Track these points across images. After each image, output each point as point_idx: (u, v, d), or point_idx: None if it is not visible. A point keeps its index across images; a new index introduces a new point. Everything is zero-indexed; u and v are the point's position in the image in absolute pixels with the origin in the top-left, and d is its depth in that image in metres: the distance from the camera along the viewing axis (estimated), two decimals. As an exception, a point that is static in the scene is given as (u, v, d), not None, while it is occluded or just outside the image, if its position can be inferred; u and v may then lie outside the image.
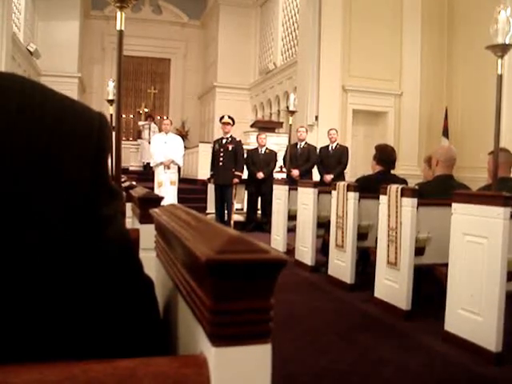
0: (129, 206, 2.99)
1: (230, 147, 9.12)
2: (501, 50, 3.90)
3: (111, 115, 7.11)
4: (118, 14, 3.34)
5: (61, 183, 0.75)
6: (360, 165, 10.97)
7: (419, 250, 4.29)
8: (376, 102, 11.89)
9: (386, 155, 5.65)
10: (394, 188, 4.44)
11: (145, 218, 2.12)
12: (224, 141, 9.22)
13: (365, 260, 5.54)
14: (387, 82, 11.94)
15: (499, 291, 3.22)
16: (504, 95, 4.42)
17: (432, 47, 12.11)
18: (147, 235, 1.83)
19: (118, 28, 3.37)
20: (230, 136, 9.22)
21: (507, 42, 3.88)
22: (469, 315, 3.43)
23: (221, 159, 9.15)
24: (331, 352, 3.46)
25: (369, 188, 5.19)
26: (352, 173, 10.16)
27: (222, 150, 9.17)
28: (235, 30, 18.27)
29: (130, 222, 2.88)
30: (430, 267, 4.38)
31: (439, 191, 4.37)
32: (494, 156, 3.99)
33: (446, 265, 3.70)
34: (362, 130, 12.26)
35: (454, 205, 3.63)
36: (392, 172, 5.71)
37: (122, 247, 0.85)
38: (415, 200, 4.24)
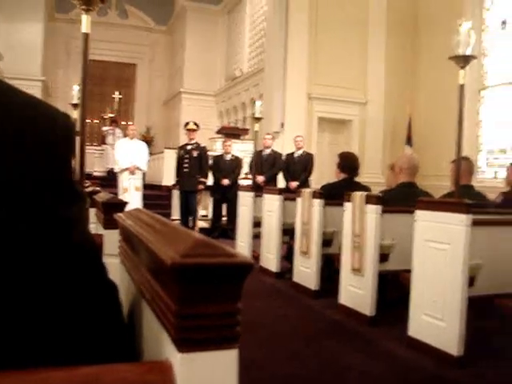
0: (92, 211, 2.94)
1: (195, 153, 9.08)
2: (462, 60, 3.99)
3: (75, 120, 7.01)
4: (84, 17, 3.30)
5: (23, 183, 0.73)
6: (325, 172, 11.05)
7: (383, 257, 4.33)
8: (341, 110, 12.01)
9: (349, 163, 5.71)
10: (358, 195, 4.48)
11: (109, 224, 2.09)
12: (189, 147, 9.17)
13: (329, 266, 5.57)
14: (352, 91, 12.08)
15: (461, 296, 3.28)
16: (465, 105, 4.51)
17: (396, 57, 12.31)
18: (111, 241, 1.81)
19: (83, 31, 3.33)
20: (196, 142, 9.18)
21: (468, 54, 3.97)
22: (432, 320, 3.48)
23: (186, 165, 9.10)
24: (297, 358, 3.46)
25: (333, 195, 5.23)
26: (317, 180, 10.21)
27: (187, 156, 9.13)
28: (202, 36, 18.25)
29: (94, 227, 2.83)
30: (393, 273, 4.43)
31: (402, 198, 4.43)
32: (456, 164, 4.07)
33: (410, 271, 3.74)
34: (328, 138, 12.36)
35: (417, 212, 3.68)
36: (356, 179, 5.76)
37: (86, 251, 0.84)
38: (379, 207, 4.28)
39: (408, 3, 12.45)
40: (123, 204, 2.28)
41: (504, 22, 10.28)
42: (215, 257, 0.70)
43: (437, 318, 3.44)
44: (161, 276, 0.80)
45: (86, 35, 3.34)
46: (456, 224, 3.34)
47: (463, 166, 4.39)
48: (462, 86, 4.04)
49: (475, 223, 3.34)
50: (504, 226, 3.70)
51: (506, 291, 3.52)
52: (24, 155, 0.73)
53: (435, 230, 3.51)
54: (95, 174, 16.11)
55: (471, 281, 3.38)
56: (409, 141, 11.86)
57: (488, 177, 10.43)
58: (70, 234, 0.79)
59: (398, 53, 12.35)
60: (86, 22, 3.31)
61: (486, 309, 3.83)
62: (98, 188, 4.71)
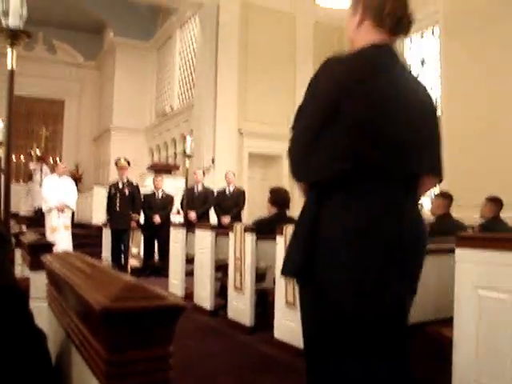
0: (18, 252, 2.84)
1: (127, 191, 8.95)
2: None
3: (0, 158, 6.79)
4: (9, 51, 3.23)
5: None
6: (256, 207, 11.12)
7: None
8: (271, 145, 12.19)
9: (279, 197, 5.77)
10: (290, 228, 4.53)
11: (36, 266, 2.02)
12: (121, 184, 9.04)
13: (263, 301, 5.57)
14: (281, 126, 12.27)
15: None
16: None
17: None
18: (38, 284, 1.75)
19: (8, 67, 3.25)
20: (127, 179, 9.07)
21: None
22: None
23: (117, 203, 8.95)
24: (232, 397, 3.41)
25: (265, 229, 5.26)
26: (249, 215, 10.27)
27: (118, 193, 8.98)
28: (132, 72, 18.20)
29: (20, 269, 2.73)
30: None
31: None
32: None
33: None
34: (259, 173, 12.49)
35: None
36: (287, 213, 5.83)
37: (11, 296, 0.81)
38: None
39: (333, 43, 12.91)
40: (50, 245, 2.22)
41: (423, 61, 10.84)
42: (145, 300, 0.69)
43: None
44: (90, 321, 0.78)
45: (12, 71, 3.27)
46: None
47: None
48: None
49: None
50: (431, 255, 3.81)
51: (435, 318, 3.62)
52: None
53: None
54: (21, 213, 15.56)
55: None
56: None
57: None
58: None
59: (325, 89, 12.74)
60: (11, 58, 3.24)
61: (418, 337, 3.92)
62: (24, 228, 4.56)
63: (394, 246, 1.73)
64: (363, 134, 1.74)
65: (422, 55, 10.85)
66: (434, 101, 2.01)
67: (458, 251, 2.87)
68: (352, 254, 1.70)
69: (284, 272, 1.89)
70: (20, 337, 0.81)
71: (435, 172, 1.96)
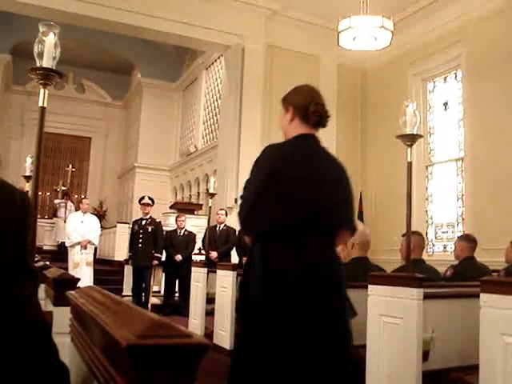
0: (42, 287, 2.86)
1: (150, 228, 9.01)
2: (409, 139, 4.16)
3: (27, 192, 6.91)
4: (42, 90, 3.32)
5: None
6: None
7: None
8: (294, 185, 12.20)
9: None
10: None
11: (59, 301, 2.04)
12: (144, 222, 9.11)
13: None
14: (305, 167, 12.34)
15: (416, 371, 3.27)
16: (414, 181, 4.67)
17: (346, 135, 12.73)
18: (61, 318, 1.76)
19: (40, 105, 3.34)
20: (150, 217, 9.13)
21: (415, 133, 4.16)
22: (387, 397, 3.45)
23: (140, 240, 9.00)
24: None
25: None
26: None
27: (141, 231, 9.04)
28: (157, 112, 18.50)
29: (43, 304, 2.74)
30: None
31: (355, 273, 4.47)
32: (407, 238, 4.16)
33: (365, 346, 3.73)
34: (281, 213, 12.47)
35: (370, 286, 3.71)
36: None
37: (37, 330, 0.82)
38: (333, 282, 4.30)
39: (357, 84, 13.04)
40: (75, 280, 2.23)
41: (446, 104, 10.85)
42: (171, 338, 0.70)
43: (392, 395, 3.41)
44: (115, 357, 0.78)
45: (43, 109, 3.35)
46: (408, 298, 3.38)
47: (414, 240, 4.49)
48: (409, 163, 4.19)
49: (427, 297, 3.39)
50: (455, 299, 3.77)
51: (460, 364, 3.54)
52: None
53: (388, 305, 3.54)
54: (45, 247, 15.73)
55: (425, 355, 3.40)
56: (360, 216, 12.08)
57: (437, 250, 10.67)
58: (22, 312, 0.78)
59: (348, 131, 12.79)
60: (43, 96, 3.33)
61: (442, 383, 3.82)
62: (48, 262, 4.59)
63: (304, 280, 2.38)
64: (285, 204, 2.42)
65: (445, 99, 10.87)
66: (347, 174, 2.69)
67: (483, 296, 2.82)
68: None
69: (253, 293, 2.40)
70: (45, 370, 0.82)
71: (348, 227, 2.59)
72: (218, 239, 9.07)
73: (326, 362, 2.40)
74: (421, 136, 4.32)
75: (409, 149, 4.18)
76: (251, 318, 2.42)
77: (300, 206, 2.44)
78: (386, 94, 11.84)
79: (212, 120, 15.91)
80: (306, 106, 2.65)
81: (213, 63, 16.09)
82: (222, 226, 9.25)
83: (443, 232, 10.66)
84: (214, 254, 8.72)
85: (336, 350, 2.48)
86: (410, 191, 4.21)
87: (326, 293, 2.42)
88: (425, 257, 5.38)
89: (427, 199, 11.03)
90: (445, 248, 10.50)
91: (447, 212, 10.54)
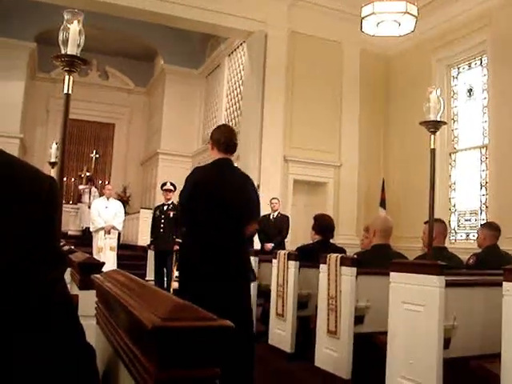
0: (68, 271, 2.91)
1: (172, 214, 9.07)
2: (433, 126, 4.13)
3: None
4: (66, 77, 3.36)
5: (7, 245, 0.74)
6: (300, 234, 11.08)
7: (359, 319, 4.33)
8: (316, 172, 12.18)
9: (324, 225, 5.76)
10: (333, 257, 4.51)
11: (85, 284, 2.07)
12: (165, 207, 9.17)
13: (305, 329, 5.53)
14: (327, 154, 12.29)
15: (437, 359, 3.27)
16: (437, 168, 4.64)
17: (369, 122, 12.64)
18: (87, 301, 1.80)
19: (65, 91, 3.38)
20: (172, 203, 9.19)
21: (438, 119, 4.12)
22: (408, 383, 3.45)
23: (162, 226, 9.07)
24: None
25: (309, 257, 5.25)
26: (292, 242, 10.24)
27: (163, 216, 9.11)
28: (180, 98, 18.52)
29: (69, 287, 2.79)
30: (369, 335, 4.41)
31: (377, 260, 4.47)
32: (429, 226, 4.14)
33: (386, 333, 3.74)
34: (303, 200, 12.46)
35: (391, 274, 3.71)
36: (331, 241, 5.80)
37: (66, 312, 0.84)
38: (354, 269, 4.31)
39: (380, 71, 12.90)
40: (100, 265, 2.27)
41: (470, 90, 10.69)
42: (195, 320, 0.71)
43: (414, 381, 3.41)
44: (140, 339, 0.80)
45: (68, 96, 3.39)
46: (430, 285, 3.37)
47: (436, 228, 4.46)
48: (433, 150, 4.16)
49: (449, 285, 3.38)
50: (477, 287, 3.75)
51: (481, 353, 3.53)
52: (7, 217, 0.75)
53: (410, 292, 3.54)
54: (70, 232, 15.94)
55: (447, 342, 3.39)
56: (383, 203, 12.02)
57: (460, 238, 10.57)
58: (53, 295, 0.80)
59: (371, 118, 12.69)
60: (67, 83, 3.37)
61: (462, 371, 3.81)
62: (73, 247, 4.66)
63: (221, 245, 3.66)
64: (202, 206, 3.67)
65: (470, 85, 10.71)
66: (250, 183, 4.07)
67: (506, 285, 2.80)
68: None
69: (183, 257, 4.02)
70: (72, 351, 0.84)
71: (252, 218, 3.89)
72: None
73: (234, 304, 3.51)
74: (444, 123, 4.28)
75: (432, 136, 4.15)
76: (185, 271, 3.81)
77: (213, 204, 3.68)
78: (410, 80, 11.70)
79: (234, 107, 15.88)
80: (220, 139, 3.86)
81: (235, 50, 16.03)
82: (276, 213, 9.32)
83: (466, 220, 10.56)
84: (268, 246, 8.83)
85: (240, 296, 3.71)
86: (433, 178, 4.18)
87: (231, 258, 3.67)
88: (447, 245, 5.34)
89: (450, 186, 10.92)
90: (467, 236, 10.40)
91: (470, 200, 10.43)
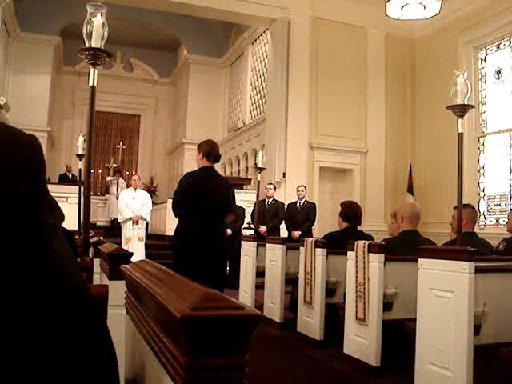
0: (96, 261, 2.95)
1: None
2: (460, 110, 4.06)
3: (80, 170, 7.10)
4: (91, 70, 3.39)
5: None
6: (327, 221, 11.06)
7: (387, 306, 4.31)
8: (342, 159, 12.12)
9: (351, 212, 5.73)
10: (361, 244, 4.49)
11: (114, 274, 2.10)
12: (192, 197, 9.23)
13: (333, 316, 5.52)
14: (353, 140, 12.21)
15: (467, 345, 3.24)
16: (465, 152, 4.57)
17: (395, 107, 12.51)
18: (116, 292, 1.82)
19: (90, 84, 3.42)
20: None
21: (466, 103, 4.05)
22: (438, 370, 3.43)
23: (189, 215, 9.13)
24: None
25: (336, 244, 5.23)
26: (319, 229, 10.23)
27: (190, 205, 9.17)
28: (204, 88, 18.56)
29: (98, 277, 2.83)
30: (398, 322, 4.39)
31: (405, 247, 4.43)
32: (458, 211, 4.09)
33: (414, 320, 3.72)
34: (329, 187, 12.42)
35: (420, 260, 3.68)
36: (358, 228, 5.77)
37: (65, 259, 0.85)
38: (382, 256, 4.28)
39: (405, 55, 12.74)
40: (129, 255, 2.30)
41: (499, 72, 10.49)
42: (224, 309, 0.72)
43: (443, 368, 3.39)
44: (169, 329, 0.81)
45: (93, 88, 3.43)
46: (459, 272, 3.33)
47: (466, 213, 4.41)
48: (460, 134, 4.10)
49: (479, 270, 3.34)
50: (508, 273, 3.69)
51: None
52: None
53: (439, 278, 3.50)
54: (98, 223, 16.14)
55: (477, 329, 3.36)
56: (410, 189, 11.92)
57: (490, 223, 10.44)
58: (51, 240, 0.82)
59: (397, 103, 12.56)
60: (92, 76, 3.40)
61: (493, 358, 3.78)
62: (101, 238, 4.72)
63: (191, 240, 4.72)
64: (191, 202, 4.67)
65: (498, 67, 10.50)
66: (228, 184, 5.11)
67: (538, 270, 2.76)
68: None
69: (176, 241, 5.06)
70: (96, 356, 0.85)
71: (230, 211, 5.09)
72: (266, 213, 9.10)
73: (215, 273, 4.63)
74: (472, 106, 4.21)
75: (460, 120, 4.09)
76: (176, 252, 4.96)
77: (200, 200, 4.67)
78: (436, 63, 11.53)
79: (259, 95, 15.85)
80: (210, 152, 4.81)
81: (258, 37, 15.98)
82: (270, 200, 9.27)
83: (496, 205, 10.41)
84: (263, 229, 8.76)
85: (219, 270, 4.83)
86: (461, 163, 4.12)
87: (213, 244, 4.74)
88: (477, 230, 5.28)
89: (479, 171, 10.76)
90: (497, 221, 10.26)
91: (500, 184, 10.27)
